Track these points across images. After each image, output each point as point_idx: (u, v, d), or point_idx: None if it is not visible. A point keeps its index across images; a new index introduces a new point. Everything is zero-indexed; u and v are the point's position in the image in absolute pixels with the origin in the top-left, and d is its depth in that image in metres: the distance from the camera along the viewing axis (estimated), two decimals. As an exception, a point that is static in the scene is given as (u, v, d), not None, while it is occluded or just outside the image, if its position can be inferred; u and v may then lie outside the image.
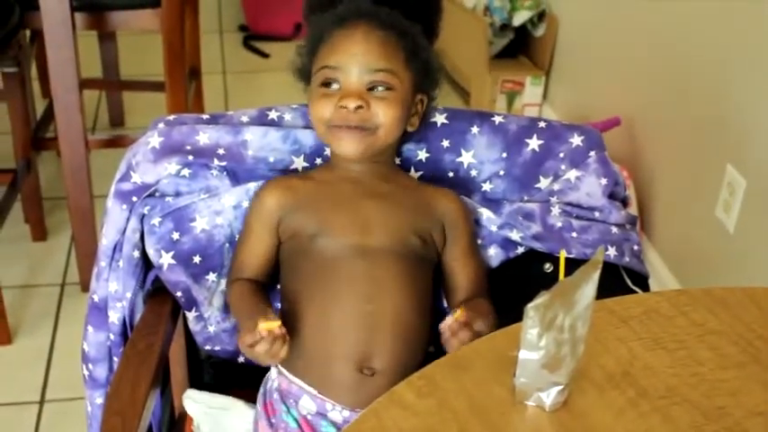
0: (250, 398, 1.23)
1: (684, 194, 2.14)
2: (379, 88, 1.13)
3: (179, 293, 1.22)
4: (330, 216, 1.16)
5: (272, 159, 1.22)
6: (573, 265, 0.86)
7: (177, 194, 1.21)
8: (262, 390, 1.20)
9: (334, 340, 1.11)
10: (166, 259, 1.21)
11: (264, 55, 3.46)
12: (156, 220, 1.20)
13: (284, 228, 1.18)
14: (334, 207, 1.16)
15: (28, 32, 2.39)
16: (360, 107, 1.12)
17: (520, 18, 2.93)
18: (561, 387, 0.86)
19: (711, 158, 2.00)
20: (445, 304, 1.26)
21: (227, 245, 1.23)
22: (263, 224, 1.19)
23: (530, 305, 0.81)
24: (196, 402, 1.25)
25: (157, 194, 1.21)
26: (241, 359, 1.30)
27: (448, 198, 1.21)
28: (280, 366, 1.16)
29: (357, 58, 1.12)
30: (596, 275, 0.83)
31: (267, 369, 1.30)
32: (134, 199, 1.20)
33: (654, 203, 2.28)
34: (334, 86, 1.14)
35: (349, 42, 1.13)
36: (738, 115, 1.90)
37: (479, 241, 1.25)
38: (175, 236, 1.20)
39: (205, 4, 2.68)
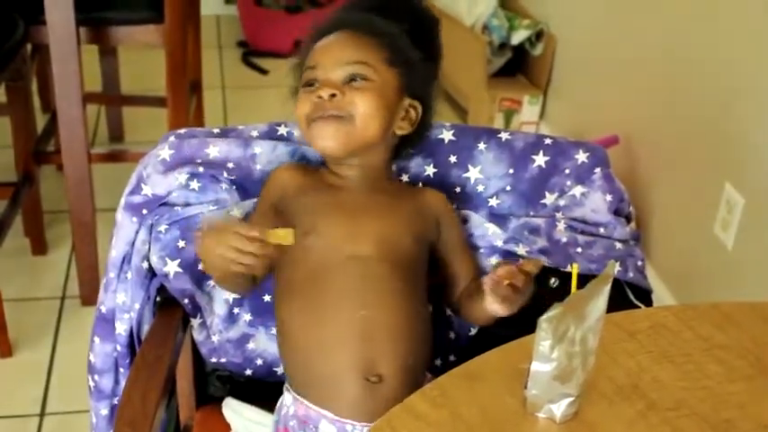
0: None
1: (682, 212, 2.16)
2: (357, 80, 1.15)
3: (186, 300, 1.23)
4: (325, 219, 1.16)
5: None
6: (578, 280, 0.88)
7: (186, 205, 1.23)
8: (276, 417, 1.18)
9: (334, 351, 1.10)
10: (172, 267, 1.21)
11: (263, 71, 3.48)
12: (162, 227, 1.21)
13: (282, 210, 1.18)
14: (331, 210, 1.17)
15: (29, 46, 2.39)
16: (333, 95, 1.14)
17: (518, 37, 2.95)
18: (572, 399, 0.87)
19: (710, 177, 2.01)
20: (448, 312, 1.27)
21: None
22: (269, 200, 1.20)
23: (543, 317, 0.82)
24: (236, 413, 1.25)
25: (167, 204, 1.22)
26: (248, 372, 1.30)
27: (436, 196, 1.23)
28: (293, 392, 1.14)
29: (333, 54, 1.16)
30: (607, 289, 0.85)
31: (274, 382, 1.31)
32: (144, 212, 1.21)
33: (652, 221, 2.29)
34: (316, 85, 1.16)
35: (327, 44, 1.18)
36: (737, 134, 1.92)
37: (481, 250, 1.27)
38: (181, 244, 1.21)
39: (204, 20, 2.69)
